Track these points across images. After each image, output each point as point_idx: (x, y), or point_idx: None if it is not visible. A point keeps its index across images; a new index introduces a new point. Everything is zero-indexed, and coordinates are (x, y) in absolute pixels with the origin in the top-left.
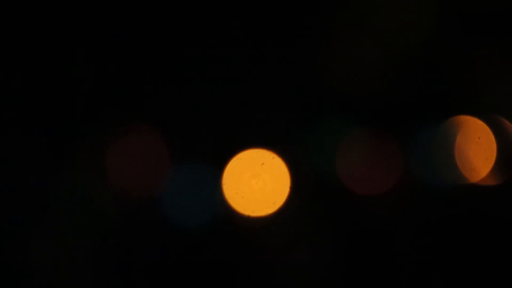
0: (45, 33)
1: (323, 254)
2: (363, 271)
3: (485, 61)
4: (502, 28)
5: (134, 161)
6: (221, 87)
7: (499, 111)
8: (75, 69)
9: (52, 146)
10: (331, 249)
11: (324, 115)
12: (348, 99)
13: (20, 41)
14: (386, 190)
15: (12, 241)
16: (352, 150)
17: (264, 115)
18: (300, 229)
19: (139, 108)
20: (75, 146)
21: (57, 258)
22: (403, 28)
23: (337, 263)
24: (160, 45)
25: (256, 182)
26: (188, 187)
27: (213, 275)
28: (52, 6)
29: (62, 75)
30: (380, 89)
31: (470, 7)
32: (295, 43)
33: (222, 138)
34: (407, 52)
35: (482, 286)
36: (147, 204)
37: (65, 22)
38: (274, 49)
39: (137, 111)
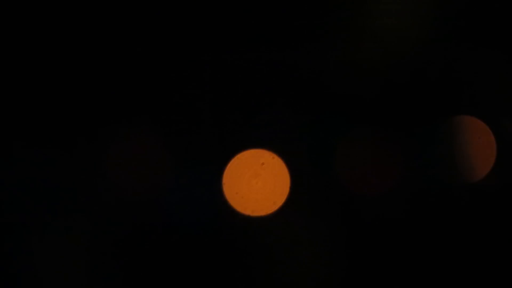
0: (45, 33)
1: (322, 254)
2: (363, 271)
3: (485, 61)
4: (502, 27)
5: (135, 161)
6: (221, 87)
7: (499, 111)
8: (76, 70)
9: (52, 146)
10: (330, 249)
11: (324, 115)
12: (348, 99)
13: (20, 41)
14: (386, 190)
15: (12, 242)
16: (352, 150)
17: (264, 115)
18: (300, 229)
19: (140, 108)
20: (75, 146)
21: (57, 259)
22: (403, 28)
23: (337, 263)
24: (160, 45)
25: (256, 182)
26: (189, 187)
27: (213, 274)
28: (52, 6)
29: (63, 76)
30: (380, 89)
31: (470, 7)
32: (295, 43)
33: (222, 138)
34: (407, 52)
35: (482, 286)
36: (147, 204)
37: (65, 22)
38: (274, 49)
39: (137, 112)
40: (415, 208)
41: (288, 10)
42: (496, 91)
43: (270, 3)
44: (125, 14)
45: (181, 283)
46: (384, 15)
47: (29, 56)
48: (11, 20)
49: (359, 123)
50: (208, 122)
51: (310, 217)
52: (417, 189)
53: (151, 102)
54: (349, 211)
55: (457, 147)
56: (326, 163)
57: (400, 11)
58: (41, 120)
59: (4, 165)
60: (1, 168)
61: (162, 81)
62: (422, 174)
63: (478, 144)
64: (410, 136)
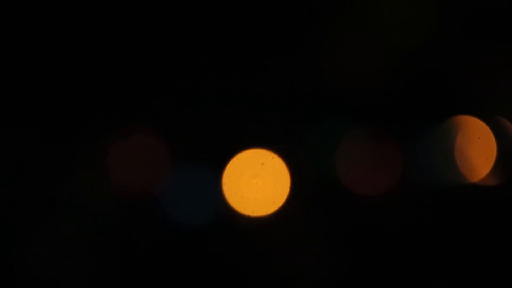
0: (45, 33)
1: (322, 254)
2: (363, 271)
3: (485, 61)
4: (502, 27)
5: (134, 161)
6: (221, 87)
7: (499, 111)
8: (75, 69)
9: (52, 146)
10: (330, 249)
11: (324, 115)
12: (348, 99)
13: (20, 41)
14: (386, 190)
15: (12, 242)
16: (352, 150)
17: (264, 115)
18: (300, 229)
19: (140, 108)
20: (75, 146)
21: (57, 259)
22: (402, 28)
23: (337, 263)
24: (161, 45)
25: (256, 182)
26: (189, 187)
27: (213, 274)
28: (52, 6)
29: (62, 75)
30: (380, 89)
31: (470, 7)
32: (295, 43)
33: (222, 138)
34: (407, 52)
35: (482, 286)
36: (147, 204)
37: (65, 22)
38: (274, 49)
39: (137, 111)
40: (415, 208)
41: (288, 10)
42: (496, 90)
43: (270, 2)
44: (124, 12)
45: (181, 283)
46: (384, 14)
47: (29, 55)
48: (11, 19)
49: (359, 123)
50: (208, 122)
51: (310, 217)
52: (417, 189)
53: (151, 101)
54: (349, 211)
55: (457, 147)
56: (326, 163)
57: (400, 10)
58: (41, 119)
59: (3, 164)
60: None
61: (162, 80)
62: (422, 174)
63: (478, 144)
64: (410, 136)
